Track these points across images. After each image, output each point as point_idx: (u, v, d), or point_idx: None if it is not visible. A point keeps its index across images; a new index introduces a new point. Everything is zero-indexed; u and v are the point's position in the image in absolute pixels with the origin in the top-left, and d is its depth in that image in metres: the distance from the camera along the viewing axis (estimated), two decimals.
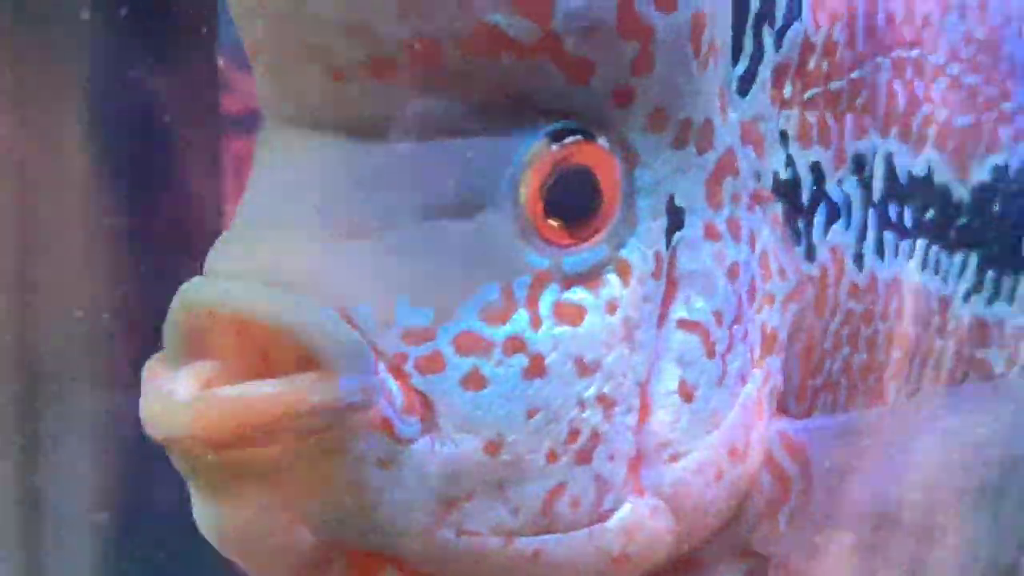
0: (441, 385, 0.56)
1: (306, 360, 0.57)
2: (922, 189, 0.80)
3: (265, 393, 0.55)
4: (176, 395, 0.58)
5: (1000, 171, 0.85)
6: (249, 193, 0.64)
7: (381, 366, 0.57)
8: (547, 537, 0.61)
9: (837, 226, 0.74)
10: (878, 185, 0.77)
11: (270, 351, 0.58)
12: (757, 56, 0.69)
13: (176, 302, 0.61)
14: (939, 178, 0.81)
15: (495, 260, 0.58)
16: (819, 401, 0.76)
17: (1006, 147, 0.84)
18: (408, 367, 0.57)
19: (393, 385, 0.57)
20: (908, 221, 0.79)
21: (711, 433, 0.63)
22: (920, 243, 0.81)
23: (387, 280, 0.57)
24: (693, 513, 0.64)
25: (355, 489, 0.57)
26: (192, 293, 0.60)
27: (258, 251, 0.59)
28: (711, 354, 0.63)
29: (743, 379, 0.66)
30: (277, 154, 0.62)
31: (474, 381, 0.56)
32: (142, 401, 0.61)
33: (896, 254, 0.79)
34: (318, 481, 0.58)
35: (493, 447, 0.57)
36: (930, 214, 0.81)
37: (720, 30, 0.65)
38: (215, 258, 0.62)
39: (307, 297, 0.56)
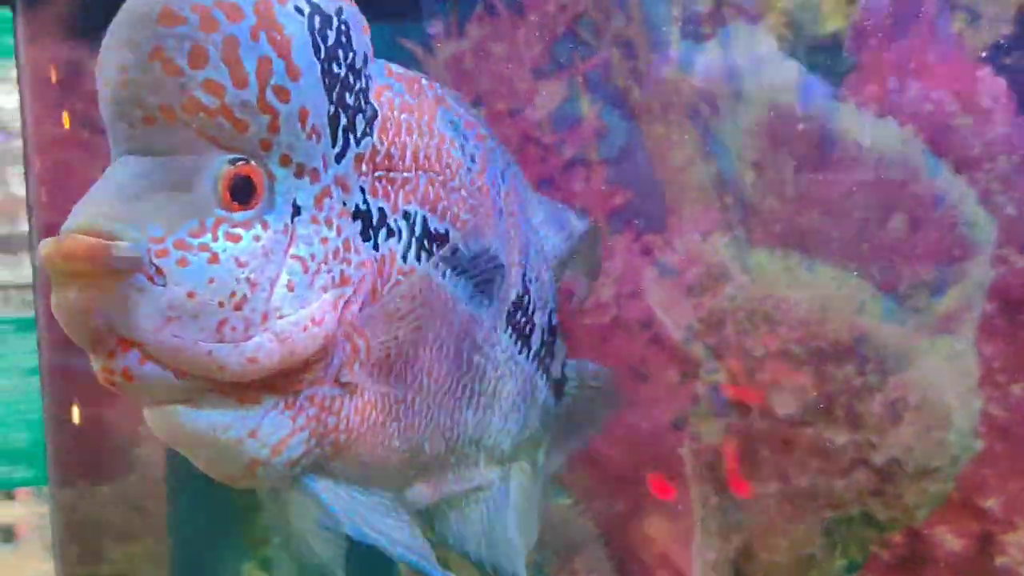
0: (167, 263, 0.99)
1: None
2: (440, 237, 1.25)
3: (85, 242, 0.96)
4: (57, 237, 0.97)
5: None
6: (97, 183, 1.03)
7: (144, 252, 0.99)
8: (217, 344, 1.01)
9: (392, 240, 1.17)
10: (418, 228, 1.21)
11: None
12: (344, 146, 1.09)
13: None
14: (452, 236, 1.26)
15: (202, 210, 1.01)
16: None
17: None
18: (152, 254, 0.99)
19: (145, 259, 0.99)
20: (432, 247, 1.24)
21: (302, 309, 1.05)
22: (436, 255, 1.24)
23: (148, 216, 0.99)
24: (290, 344, 1.05)
25: (122, 301, 0.99)
26: (65, 226, 0.99)
27: (92, 206, 1.00)
28: (305, 272, 1.06)
29: (324, 290, 1.08)
30: (113, 164, 1.04)
31: (181, 262, 0.99)
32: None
33: (425, 261, 1.22)
34: (107, 292, 0.98)
35: (190, 295, 0.99)
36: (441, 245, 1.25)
37: (320, 121, 1.05)
38: (72, 214, 1.00)
39: (117, 220, 0.98)
